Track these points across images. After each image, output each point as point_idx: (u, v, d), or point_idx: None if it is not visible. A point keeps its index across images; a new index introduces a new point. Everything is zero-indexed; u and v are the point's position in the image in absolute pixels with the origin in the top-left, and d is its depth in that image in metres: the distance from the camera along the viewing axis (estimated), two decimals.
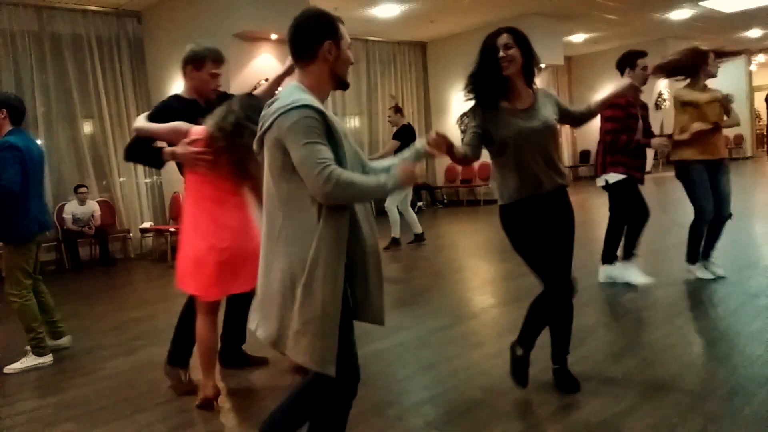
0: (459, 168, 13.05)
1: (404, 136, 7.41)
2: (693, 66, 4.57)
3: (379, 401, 2.93)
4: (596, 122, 3.93)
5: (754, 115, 19.14)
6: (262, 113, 1.90)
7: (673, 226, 6.63)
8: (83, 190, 8.44)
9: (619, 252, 4.80)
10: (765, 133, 20.24)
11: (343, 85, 1.99)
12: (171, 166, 3.32)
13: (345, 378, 1.88)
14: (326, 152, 1.77)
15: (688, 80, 4.67)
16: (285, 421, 2.06)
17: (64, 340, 4.26)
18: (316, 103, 1.81)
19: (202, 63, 3.15)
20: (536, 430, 2.63)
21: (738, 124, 4.82)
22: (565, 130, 15.34)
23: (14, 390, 3.59)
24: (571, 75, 17.09)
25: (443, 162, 13.24)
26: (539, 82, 2.80)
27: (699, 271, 4.72)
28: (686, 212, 4.88)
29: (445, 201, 13.43)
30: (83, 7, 8.76)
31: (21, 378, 3.80)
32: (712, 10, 12.16)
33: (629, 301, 4.45)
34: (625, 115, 4.41)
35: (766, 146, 19.74)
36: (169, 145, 3.03)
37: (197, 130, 2.87)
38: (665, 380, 2.94)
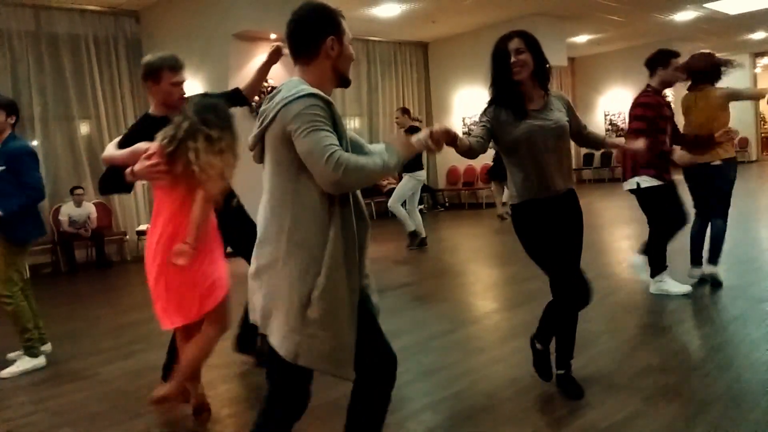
0: (461, 170, 13.01)
1: None
2: (713, 71, 4.43)
3: None
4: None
5: (759, 118, 19.02)
6: (262, 107, 1.84)
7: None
8: (79, 191, 8.38)
9: (643, 259, 4.54)
10: None
11: (345, 82, 1.94)
12: None
13: (378, 371, 1.86)
14: (333, 139, 1.72)
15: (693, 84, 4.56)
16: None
17: (46, 347, 4.20)
18: (322, 93, 1.77)
19: (159, 74, 2.98)
20: None
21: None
22: None
23: (9, 394, 3.56)
24: (575, 76, 16.97)
25: (445, 164, 13.20)
26: None
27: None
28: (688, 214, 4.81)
29: (447, 204, 13.36)
30: (81, 7, 8.72)
31: (16, 382, 3.76)
32: (717, 12, 12.08)
33: (633, 306, 4.40)
34: (656, 115, 4.20)
35: None
36: None
37: (155, 145, 2.67)
38: (670, 386, 2.91)
